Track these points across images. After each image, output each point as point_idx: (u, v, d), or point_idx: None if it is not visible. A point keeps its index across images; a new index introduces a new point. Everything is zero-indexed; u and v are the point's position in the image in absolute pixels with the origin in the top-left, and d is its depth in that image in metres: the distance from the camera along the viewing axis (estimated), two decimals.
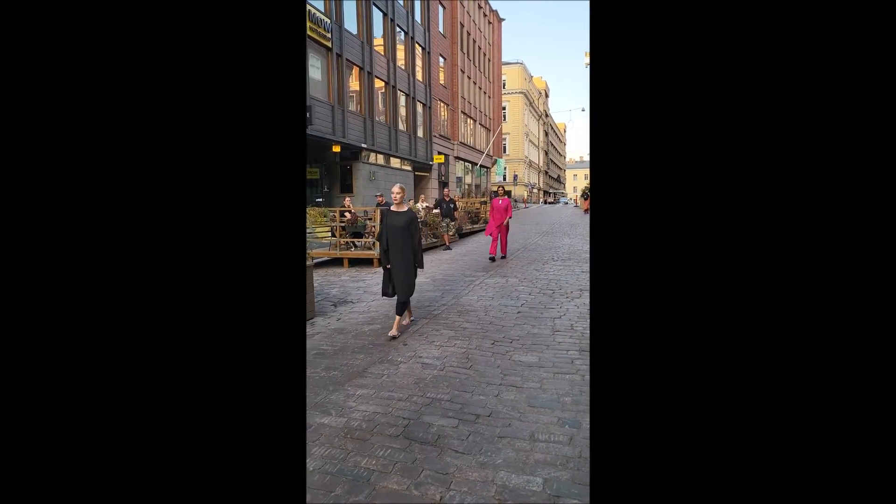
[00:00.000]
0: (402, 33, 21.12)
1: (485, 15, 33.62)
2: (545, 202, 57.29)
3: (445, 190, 12.97)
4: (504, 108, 42.85)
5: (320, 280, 7.08)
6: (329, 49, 15.36)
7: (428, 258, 10.07)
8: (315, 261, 6.73)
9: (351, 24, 16.77)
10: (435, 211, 11.68)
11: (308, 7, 14.05)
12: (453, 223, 11.79)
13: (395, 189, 4.29)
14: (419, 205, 11.50)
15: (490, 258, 8.15)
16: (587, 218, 19.13)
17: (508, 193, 10.05)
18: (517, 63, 47.25)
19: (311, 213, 9.75)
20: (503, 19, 38.89)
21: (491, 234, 8.36)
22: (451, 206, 11.53)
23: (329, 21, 15.22)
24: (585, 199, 27.57)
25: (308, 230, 8.88)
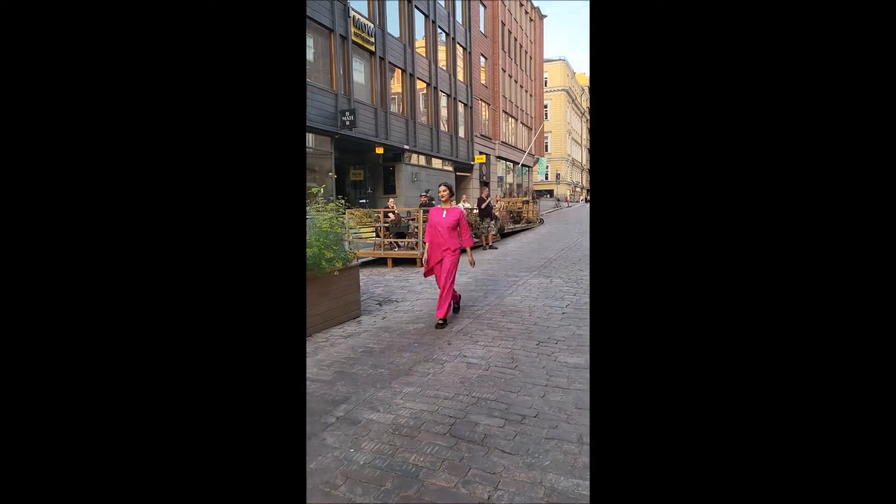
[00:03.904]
0: (444, 34, 21.23)
1: (526, 13, 33.26)
2: (586, 200, 56.08)
3: (485, 189, 12.93)
4: (546, 106, 42.19)
5: (365, 279, 7.22)
6: (372, 53, 15.65)
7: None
8: (360, 260, 6.92)
9: (393, 27, 17.02)
10: (475, 212, 11.68)
11: (352, 13, 14.37)
12: (494, 223, 11.72)
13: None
14: (461, 205, 11.53)
15: (438, 323, 4.39)
16: None
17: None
18: (559, 60, 46.47)
19: (356, 213, 9.96)
20: (545, 16, 38.37)
21: (435, 277, 4.63)
22: (488, 206, 11.43)
23: (372, 25, 15.52)
24: None
25: (353, 230, 9.07)
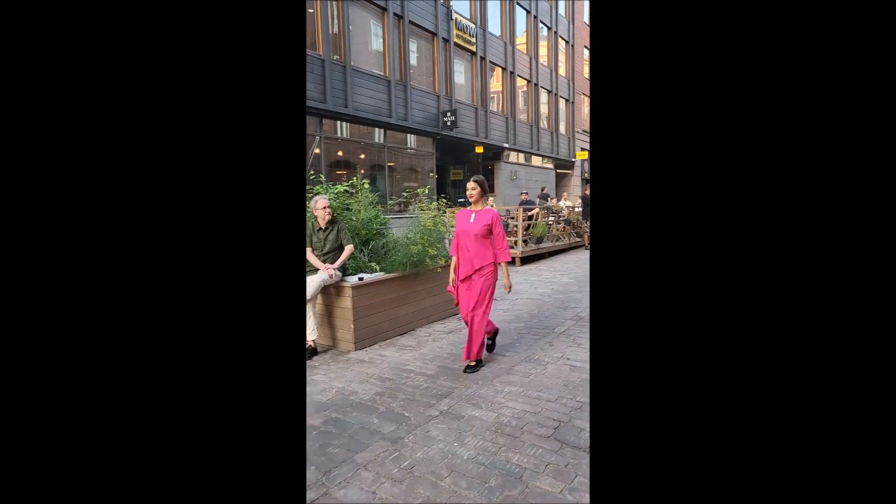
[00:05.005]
0: (545, 29, 20.77)
1: None
2: None
3: (588, 187, 12.42)
4: None
5: None
6: (473, 53, 15.81)
7: (571, 258, 9.78)
8: None
9: (494, 25, 17.03)
10: (577, 210, 11.27)
11: (455, 16, 14.64)
12: None
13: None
14: (562, 203, 11.21)
15: (468, 365, 3.31)
16: None
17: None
18: None
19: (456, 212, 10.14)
20: None
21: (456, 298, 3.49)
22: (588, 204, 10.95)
23: (474, 26, 15.67)
24: None
25: (453, 228, 9.25)
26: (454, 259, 3.42)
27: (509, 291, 3.44)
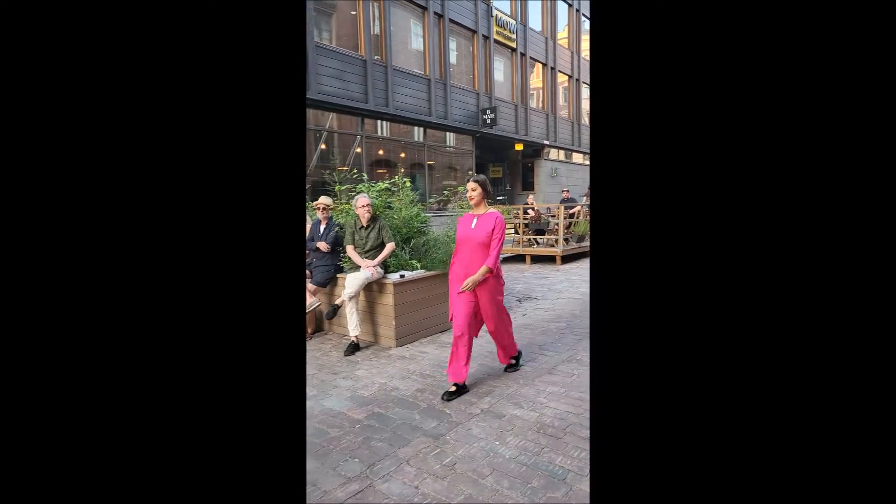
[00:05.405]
0: (588, 22, 20.31)
1: None
2: None
3: None
4: None
5: (504, 276, 7.29)
6: (513, 49, 15.66)
7: None
8: (500, 257, 6.95)
9: (535, 21, 16.80)
10: None
11: (495, 13, 14.54)
12: None
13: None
14: None
15: (509, 366, 3.24)
16: None
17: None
18: None
19: (497, 209, 10.09)
20: None
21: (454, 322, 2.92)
22: None
23: (514, 22, 15.51)
24: None
25: None
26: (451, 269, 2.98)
27: (461, 291, 2.84)
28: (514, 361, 3.24)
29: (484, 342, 3.95)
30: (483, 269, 2.81)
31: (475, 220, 2.88)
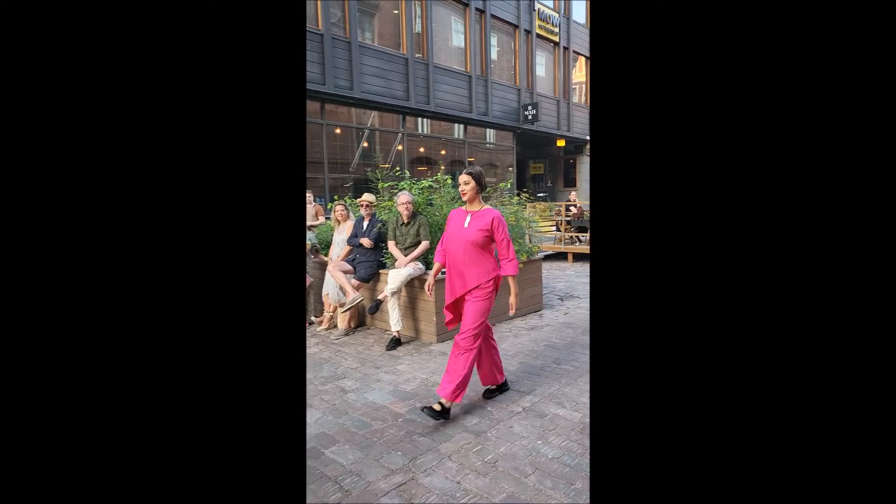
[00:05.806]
0: None
1: None
2: None
3: None
4: None
5: (546, 273, 7.18)
6: (556, 43, 15.38)
7: None
8: (541, 254, 6.84)
9: (579, 13, 16.44)
10: None
11: (538, 6, 14.32)
12: None
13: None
14: None
15: (434, 410, 2.45)
16: None
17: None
18: None
19: (537, 207, 9.96)
20: None
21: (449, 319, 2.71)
22: None
23: (557, 15, 15.23)
24: None
25: (533, 223, 9.10)
26: (436, 265, 2.72)
27: (513, 312, 2.57)
28: (493, 388, 2.83)
29: (526, 341, 3.91)
30: (511, 281, 2.59)
31: (468, 218, 2.55)
